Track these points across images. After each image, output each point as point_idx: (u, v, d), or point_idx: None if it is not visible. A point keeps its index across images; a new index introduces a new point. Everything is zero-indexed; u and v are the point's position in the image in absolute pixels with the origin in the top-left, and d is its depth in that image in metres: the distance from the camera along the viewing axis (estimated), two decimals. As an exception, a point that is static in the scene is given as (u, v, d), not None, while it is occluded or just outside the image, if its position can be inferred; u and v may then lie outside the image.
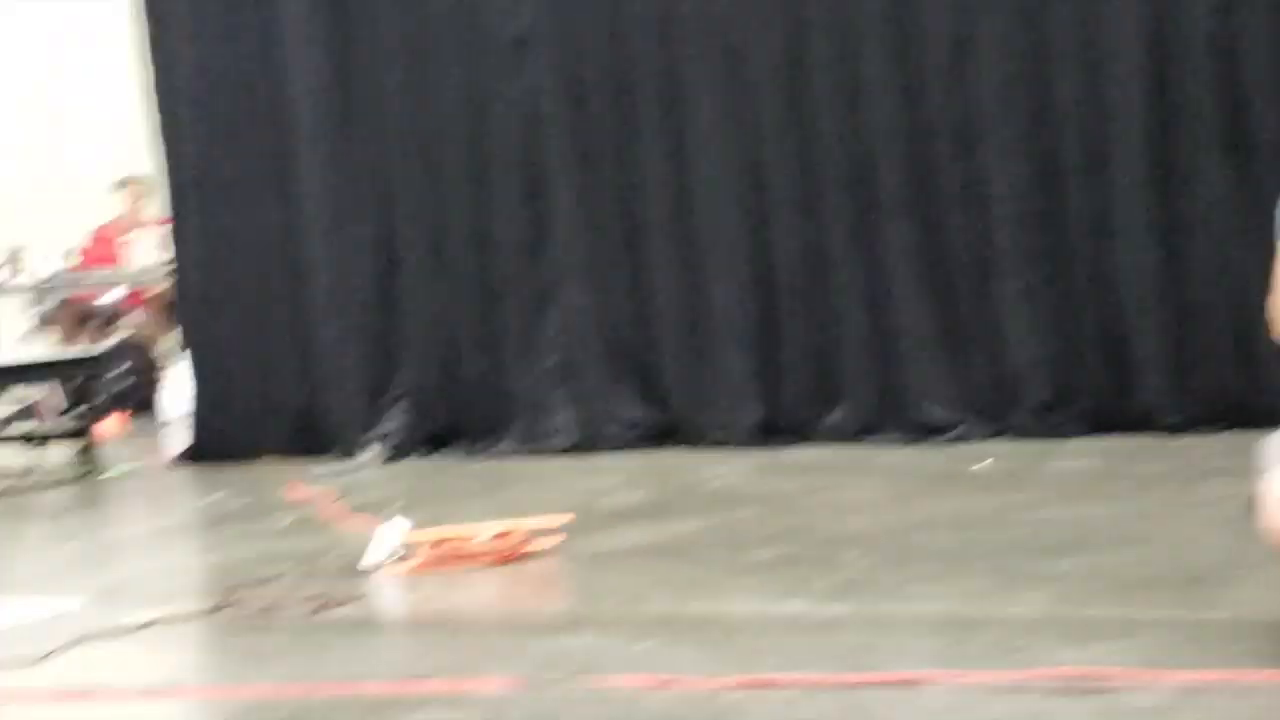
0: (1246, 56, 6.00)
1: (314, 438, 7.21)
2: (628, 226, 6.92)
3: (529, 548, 4.68)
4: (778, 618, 3.79)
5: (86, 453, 7.54)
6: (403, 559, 4.62)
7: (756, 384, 6.71)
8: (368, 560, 4.61)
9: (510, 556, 4.63)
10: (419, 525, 4.78)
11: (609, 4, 6.87)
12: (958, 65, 6.37)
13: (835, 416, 6.61)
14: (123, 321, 11.05)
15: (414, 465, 6.91)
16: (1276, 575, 3.25)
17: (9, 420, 7.98)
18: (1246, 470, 3.13)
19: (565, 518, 4.86)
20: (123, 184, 10.97)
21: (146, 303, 10.73)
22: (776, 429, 6.65)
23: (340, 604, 4.18)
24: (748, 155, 6.74)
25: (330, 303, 7.23)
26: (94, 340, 10.81)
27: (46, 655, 3.81)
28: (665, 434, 6.83)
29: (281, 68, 7.29)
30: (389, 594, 4.42)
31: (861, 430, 6.51)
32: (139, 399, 10.13)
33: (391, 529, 4.67)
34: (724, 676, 3.24)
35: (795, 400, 6.70)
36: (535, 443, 6.91)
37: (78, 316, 10.92)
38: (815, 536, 4.75)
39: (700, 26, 6.75)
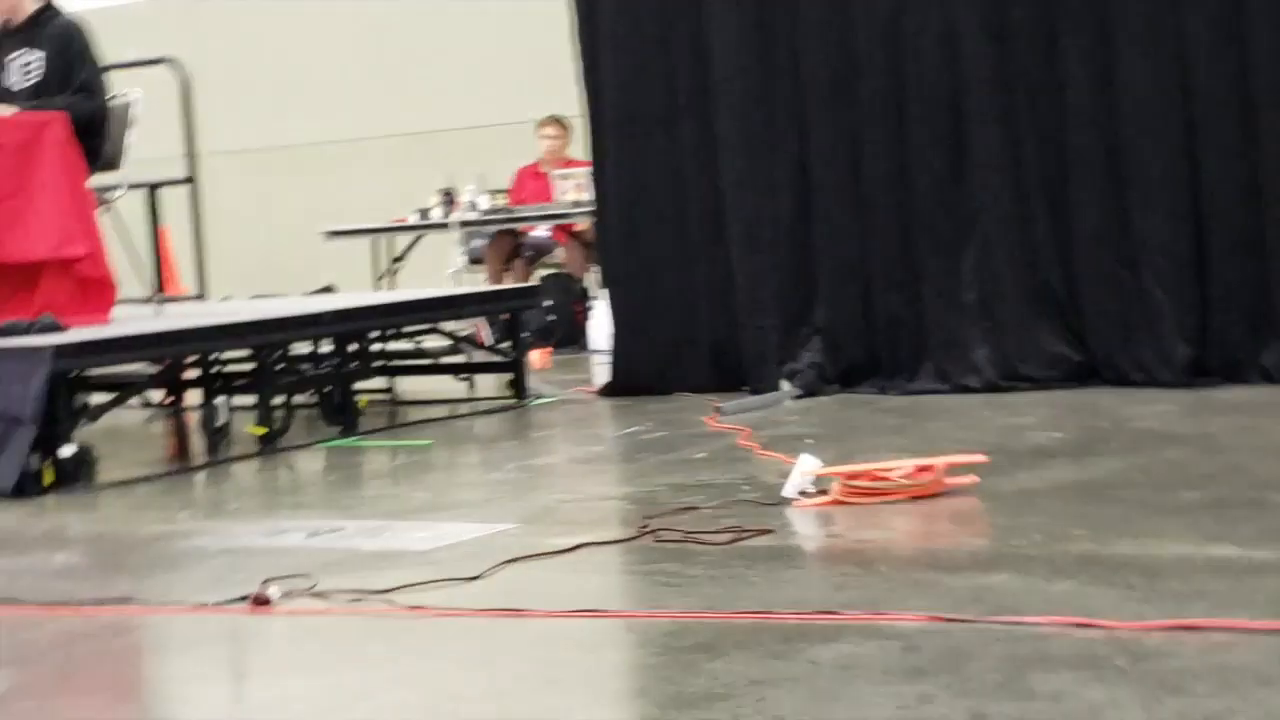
0: None
1: (730, 372, 7.32)
2: (1048, 160, 6.77)
3: (946, 484, 4.66)
4: (1204, 561, 3.68)
5: (514, 384, 7.83)
6: (819, 492, 4.66)
7: (1184, 321, 6.49)
8: (786, 491, 4.67)
9: (927, 493, 4.62)
10: (832, 460, 4.81)
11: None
12: None
13: (1270, 355, 6.35)
14: (548, 258, 11.42)
15: (829, 401, 6.94)
16: None
17: (442, 352, 8.35)
18: None
19: (982, 455, 4.82)
20: (546, 123, 11.31)
21: (571, 239, 11.05)
22: (1205, 368, 6.44)
23: (757, 534, 4.26)
24: (1177, 84, 6.51)
25: (747, 239, 7.31)
26: (521, 276, 11.21)
27: (480, 574, 4.00)
28: (1087, 373, 6.68)
29: (699, 6, 7.38)
30: (805, 526, 4.47)
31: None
32: (563, 333, 10.48)
33: (808, 462, 4.71)
34: (1146, 619, 3.18)
35: (1226, 338, 6.47)
36: (952, 380, 6.85)
37: (506, 253, 11.33)
38: (1245, 479, 4.59)
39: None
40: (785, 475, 4.75)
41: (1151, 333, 6.54)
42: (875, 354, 7.11)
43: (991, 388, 6.72)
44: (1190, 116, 6.50)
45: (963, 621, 3.29)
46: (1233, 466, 4.80)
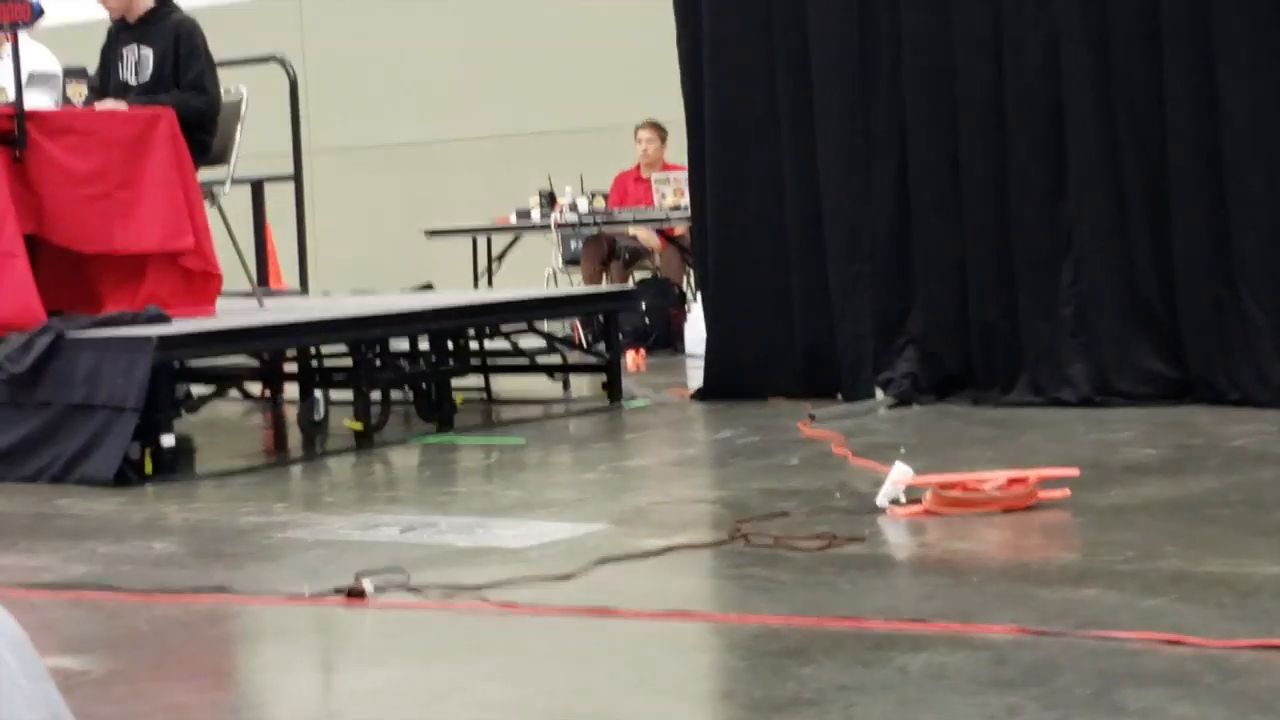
0: None
1: (824, 379, 7.32)
2: (1149, 175, 6.72)
3: (1038, 497, 4.64)
4: (1299, 583, 3.66)
5: (608, 385, 7.87)
6: (911, 502, 4.67)
7: (1265, 343, 6.42)
8: (879, 499, 4.68)
9: (1019, 505, 4.61)
10: (925, 470, 4.81)
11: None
12: None
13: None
14: (645, 261, 11.46)
15: (922, 410, 6.93)
16: None
17: (539, 352, 8.41)
18: None
19: (1075, 470, 4.80)
20: (644, 127, 11.35)
21: (668, 243, 11.09)
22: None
23: (848, 541, 4.27)
24: (1279, 102, 6.44)
25: (845, 245, 7.31)
26: (618, 278, 11.26)
27: (572, 573, 4.04)
28: (1182, 391, 6.63)
29: (801, 10, 7.39)
30: (896, 535, 4.48)
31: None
32: (659, 336, 10.51)
33: (900, 471, 4.71)
34: (1237, 638, 3.17)
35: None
36: (1046, 393, 6.81)
37: (602, 255, 11.38)
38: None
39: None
40: (878, 483, 4.76)
41: (1249, 352, 6.48)
42: (970, 365, 7.08)
43: (1086, 402, 6.68)
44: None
45: (1053, 635, 3.29)
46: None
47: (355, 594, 3.91)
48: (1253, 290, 6.49)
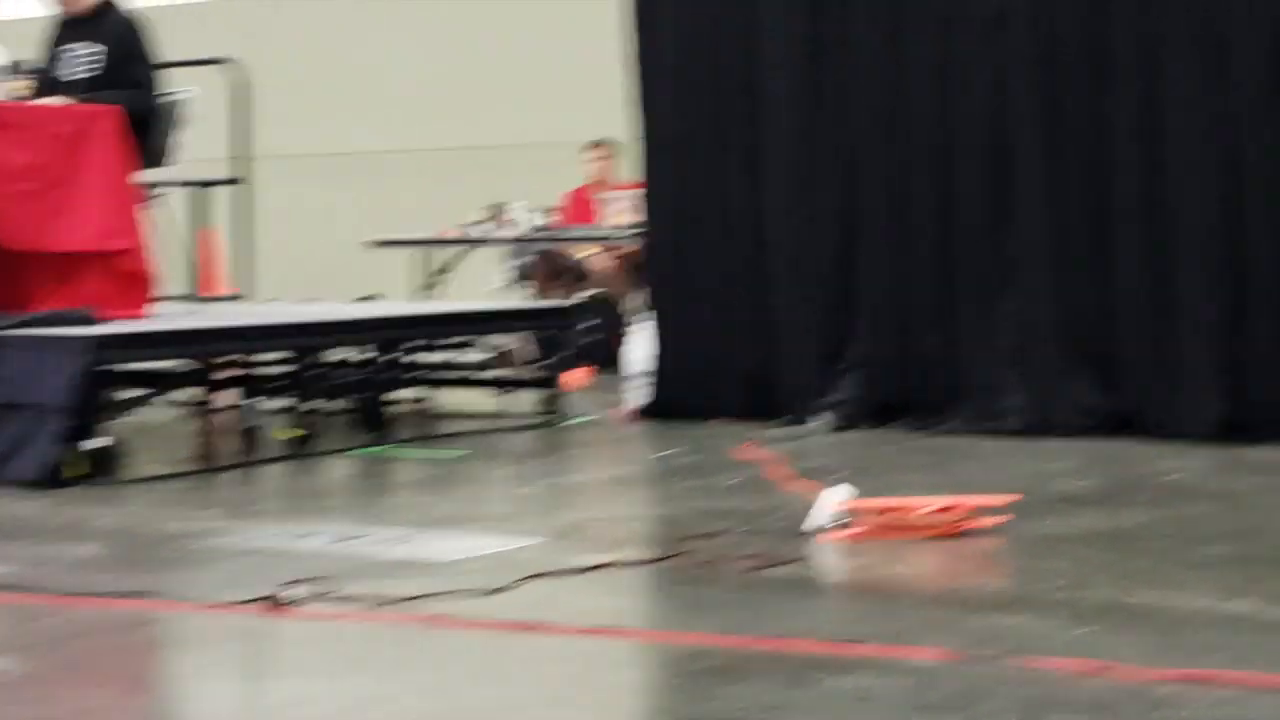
0: None
1: (766, 402, 7.31)
2: (1093, 209, 6.74)
3: (973, 524, 4.64)
4: (1223, 615, 3.66)
5: (552, 401, 7.84)
6: (845, 525, 4.65)
7: (1221, 378, 6.45)
8: (810, 523, 4.66)
9: (953, 531, 4.60)
10: (863, 494, 4.80)
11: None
12: None
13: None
14: (593, 278, 11.44)
15: (862, 435, 6.92)
16: None
17: (483, 365, 8.37)
18: None
19: (1011, 498, 4.79)
20: (593, 146, 11.34)
21: (616, 261, 11.06)
22: (1240, 425, 6.39)
23: (781, 563, 4.24)
24: (1225, 142, 6.48)
25: (790, 270, 7.30)
26: (566, 295, 11.22)
27: (502, 587, 3.99)
28: (1120, 424, 6.64)
29: (757, 42, 7.40)
30: (829, 558, 4.46)
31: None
32: (604, 353, 10.47)
33: (835, 494, 4.70)
34: (1163, 668, 3.16)
35: (1262, 396, 6.41)
36: (985, 422, 6.82)
37: (552, 271, 11.35)
38: (1269, 537, 4.58)
39: (1182, 7, 6.52)
40: (815, 507, 4.74)
41: (1186, 387, 6.50)
42: (911, 392, 7.08)
43: (1024, 433, 6.69)
44: (1233, 173, 6.46)
45: (980, 660, 3.27)
46: (1258, 524, 4.78)
47: (279, 603, 3.86)
48: (1192, 325, 6.52)
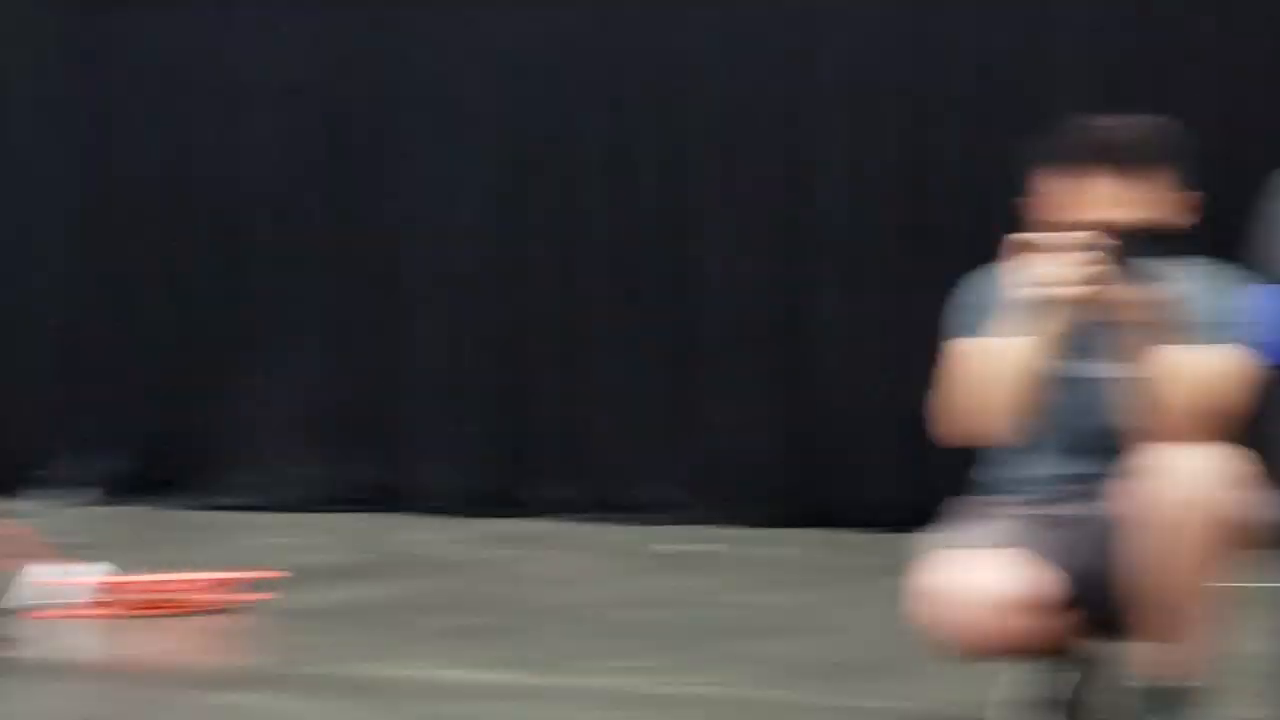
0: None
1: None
2: (334, 285, 6.84)
3: (214, 600, 4.56)
4: (450, 684, 3.77)
5: None
6: (74, 603, 4.45)
7: (472, 453, 6.65)
8: (20, 599, 4.39)
9: (193, 608, 4.51)
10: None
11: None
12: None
13: (560, 490, 6.58)
14: None
15: (131, 511, 6.66)
16: (937, 668, 3.27)
17: None
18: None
19: (256, 573, 4.74)
20: None
21: None
22: (491, 499, 6.59)
23: (-3, 646, 4.00)
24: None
25: (13, 339, 7.06)
26: None
27: None
28: (373, 497, 6.70)
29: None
30: (51, 639, 4.24)
31: (585, 506, 6.49)
32: None
33: (46, 570, 4.47)
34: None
35: (514, 471, 6.65)
36: (254, 495, 6.73)
37: None
38: (505, 606, 4.77)
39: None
40: (18, 581, 4.46)
41: (438, 461, 6.66)
42: (166, 464, 6.89)
43: (269, 507, 6.64)
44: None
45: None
46: (502, 595, 4.96)
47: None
48: (445, 398, 6.69)
